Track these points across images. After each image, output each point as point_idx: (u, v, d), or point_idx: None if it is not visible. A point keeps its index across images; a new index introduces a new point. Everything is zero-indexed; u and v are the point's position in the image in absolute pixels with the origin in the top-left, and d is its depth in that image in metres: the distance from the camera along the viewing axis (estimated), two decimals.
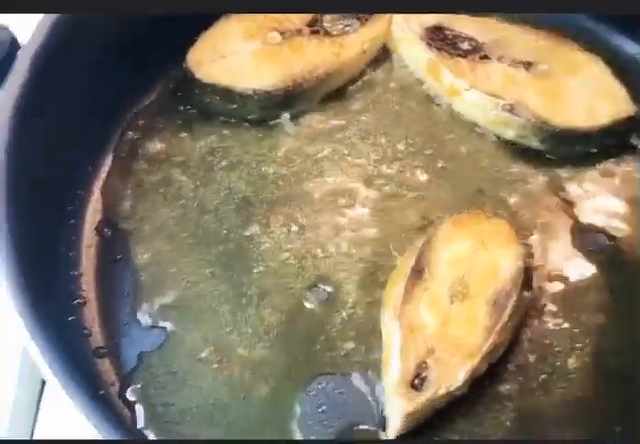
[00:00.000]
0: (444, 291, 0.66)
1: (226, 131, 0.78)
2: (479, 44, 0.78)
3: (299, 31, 0.77)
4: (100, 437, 0.54)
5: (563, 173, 0.76)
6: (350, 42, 0.78)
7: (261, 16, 0.78)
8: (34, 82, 0.65)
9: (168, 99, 0.80)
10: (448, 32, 0.78)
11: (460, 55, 0.77)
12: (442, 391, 0.63)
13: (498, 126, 0.77)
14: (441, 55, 0.77)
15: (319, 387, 0.66)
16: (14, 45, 0.67)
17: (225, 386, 0.66)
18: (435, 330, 0.65)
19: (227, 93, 0.75)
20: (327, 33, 0.78)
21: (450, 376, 0.63)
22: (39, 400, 0.72)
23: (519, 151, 0.77)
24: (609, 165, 0.77)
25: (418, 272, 0.67)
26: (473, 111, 0.77)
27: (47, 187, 0.68)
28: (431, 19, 0.79)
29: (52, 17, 0.68)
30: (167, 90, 0.80)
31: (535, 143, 0.76)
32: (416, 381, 0.63)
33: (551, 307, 0.70)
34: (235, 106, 0.76)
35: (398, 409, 0.62)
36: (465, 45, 0.78)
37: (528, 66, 0.77)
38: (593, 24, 0.83)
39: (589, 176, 0.76)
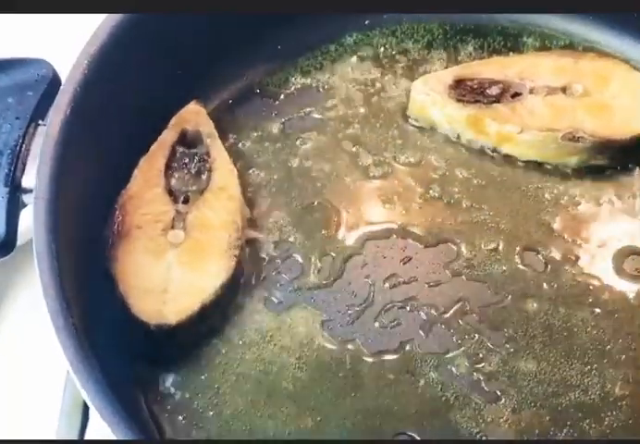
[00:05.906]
0: None
1: None
2: (506, 84, 0.76)
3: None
4: None
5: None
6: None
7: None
8: (75, 117, 0.64)
9: None
10: (470, 83, 0.76)
11: (495, 101, 0.75)
12: None
13: (561, 157, 0.75)
14: (478, 108, 0.75)
15: None
16: (55, 79, 0.68)
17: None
18: None
19: None
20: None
21: None
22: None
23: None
24: None
25: None
26: (529, 152, 0.75)
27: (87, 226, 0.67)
28: (448, 75, 0.77)
29: (91, 49, 0.68)
30: None
31: (601, 162, 0.75)
32: None
33: (601, 335, 0.69)
34: None
35: None
36: (494, 90, 0.76)
37: (564, 90, 0.75)
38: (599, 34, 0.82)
39: None
